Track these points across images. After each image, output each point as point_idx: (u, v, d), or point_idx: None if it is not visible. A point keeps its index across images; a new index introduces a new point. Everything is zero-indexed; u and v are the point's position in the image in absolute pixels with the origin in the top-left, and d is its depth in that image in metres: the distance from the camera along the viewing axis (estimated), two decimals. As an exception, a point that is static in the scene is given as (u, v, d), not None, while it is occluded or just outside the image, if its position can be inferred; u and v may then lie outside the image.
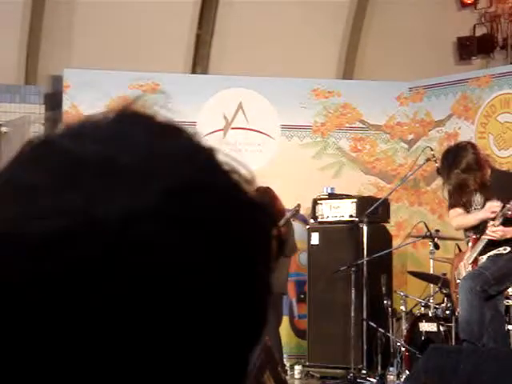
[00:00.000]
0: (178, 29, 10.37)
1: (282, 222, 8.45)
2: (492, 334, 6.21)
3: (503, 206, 6.27)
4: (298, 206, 8.28)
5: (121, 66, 9.75)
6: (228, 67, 10.35)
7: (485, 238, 6.40)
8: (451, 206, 6.62)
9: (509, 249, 6.38)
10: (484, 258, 6.45)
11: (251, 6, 10.37)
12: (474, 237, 6.52)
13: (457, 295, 6.55)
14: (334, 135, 10.15)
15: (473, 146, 6.63)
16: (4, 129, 9.87)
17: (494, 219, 6.31)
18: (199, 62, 10.61)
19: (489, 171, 6.45)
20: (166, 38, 10.32)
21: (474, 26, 10.41)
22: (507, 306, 6.65)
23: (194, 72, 10.58)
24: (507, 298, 6.66)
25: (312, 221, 8.88)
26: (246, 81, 10.02)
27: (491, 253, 6.43)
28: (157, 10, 10.20)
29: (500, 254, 6.40)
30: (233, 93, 10.05)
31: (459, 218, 6.52)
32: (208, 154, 0.67)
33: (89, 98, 9.62)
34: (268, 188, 8.82)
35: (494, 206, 6.29)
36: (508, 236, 6.32)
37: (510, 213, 6.24)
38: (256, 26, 10.47)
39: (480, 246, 6.44)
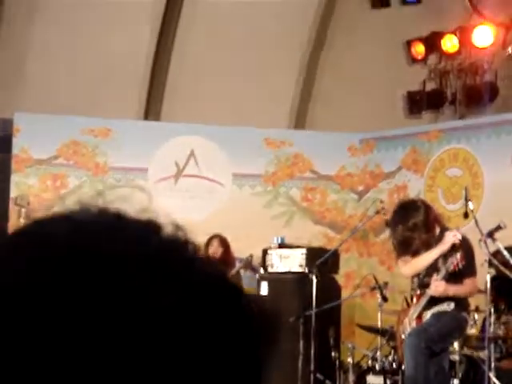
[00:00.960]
0: (131, 75, 10.39)
1: (233, 271, 8.46)
2: None
3: (445, 260, 6.29)
4: (251, 256, 8.29)
5: (72, 111, 9.71)
6: (180, 115, 10.38)
7: (428, 294, 6.41)
8: (398, 256, 6.64)
9: (453, 305, 6.39)
10: (428, 314, 6.46)
11: (205, 55, 10.44)
12: (418, 293, 6.54)
13: (402, 350, 6.56)
14: (285, 184, 10.20)
15: (426, 206, 6.58)
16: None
17: (437, 273, 6.31)
18: (151, 109, 10.61)
19: (437, 231, 6.45)
20: (118, 83, 10.32)
21: (424, 81, 10.58)
22: (452, 362, 6.67)
23: (146, 118, 10.59)
24: (452, 353, 6.68)
25: (262, 271, 8.87)
26: (198, 128, 10.05)
27: (435, 309, 6.43)
28: (111, 55, 10.21)
29: (444, 310, 6.40)
30: (185, 140, 10.06)
31: (412, 263, 6.47)
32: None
33: (39, 142, 9.56)
34: (221, 236, 8.83)
35: (452, 235, 6.28)
36: (449, 293, 6.29)
37: (452, 267, 6.25)
38: (209, 73, 10.53)
39: (424, 300, 6.45)
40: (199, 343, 0.65)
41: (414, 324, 6.51)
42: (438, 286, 6.26)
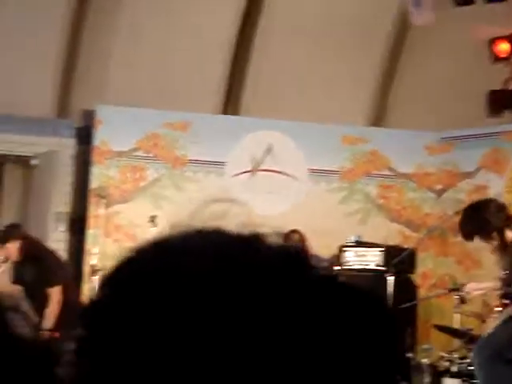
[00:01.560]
0: (210, 69, 10.45)
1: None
2: None
3: None
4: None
5: (153, 105, 9.82)
6: (259, 110, 10.40)
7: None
8: None
9: None
10: (504, 315, 6.30)
11: (285, 51, 10.44)
12: (504, 302, 6.36)
13: None
14: (362, 181, 10.15)
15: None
16: (35, 161, 9.95)
17: None
18: (230, 104, 10.66)
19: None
20: (198, 77, 10.39)
21: (507, 80, 10.40)
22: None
23: (224, 113, 10.64)
24: None
25: (337, 267, 8.85)
26: (276, 124, 10.06)
27: (509, 310, 6.27)
28: (191, 50, 10.28)
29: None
30: (262, 135, 10.09)
31: None
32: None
33: (120, 134, 9.69)
34: (300, 232, 8.82)
35: None
36: None
37: None
38: (289, 70, 10.52)
39: (505, 314, 6.26)
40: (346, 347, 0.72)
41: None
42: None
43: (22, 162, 10.13)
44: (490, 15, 9.79)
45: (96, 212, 9.37)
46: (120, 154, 9.79)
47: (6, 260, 7.78)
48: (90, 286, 8.51)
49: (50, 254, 7.97)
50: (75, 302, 7.35)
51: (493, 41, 10.22)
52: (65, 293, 7.64)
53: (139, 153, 9.87)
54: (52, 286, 7.62)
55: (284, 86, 10.50)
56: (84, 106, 10.06)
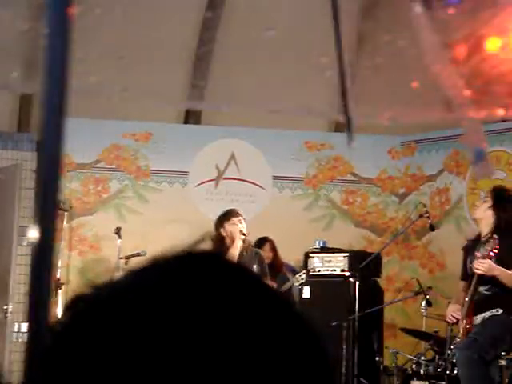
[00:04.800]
0: (171, 79, 10.42)
1: (286, 286, 8.37)
2: None
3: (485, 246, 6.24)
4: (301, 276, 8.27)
5: (114, 116, 9.77)
6: (220, 118, 10.39)
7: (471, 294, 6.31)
8: None
9: (501, 311, 6.33)
10: (478, 320, 6.38)
11: (243, 59, 10.45)
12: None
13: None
14: (326, 187, 10.19)
15: None
16: (-4, 175, 9.86)
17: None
18: (192, 113, 10.64)
19: None
20: (159, 87, 10.35)
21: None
22: (499, 367, 6.59)
23: (186, 122, 10.62)
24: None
25: (304, 274, 8.85)
26: (238, 131, 10.07)
27: (483, 315, 6.35)
28: (151, 58, 10.25)
29: (492, 315, 6.33)
30: (225, 143, 10.09)
31: None
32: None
33: (82, 146, 9.64)
34: (271, 240, 8.82)
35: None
36: (495, 273, 6.09)
37: (492, 247, 6.13)
38: (249, 75, 10.53)
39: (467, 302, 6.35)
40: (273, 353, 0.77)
41: (464, 323, 6.42)
42: (482, 262, 6.13)
43: (-17, 176, 10.04)
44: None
45: (59, 225, 9.29)
46: (82, 166, 9.74)
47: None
48: (55, 300, 8.44)
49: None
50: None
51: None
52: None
53: (101, 164, 9.82)
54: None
55: (244, 94, 10.49)
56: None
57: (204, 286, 0.77)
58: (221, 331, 0.75)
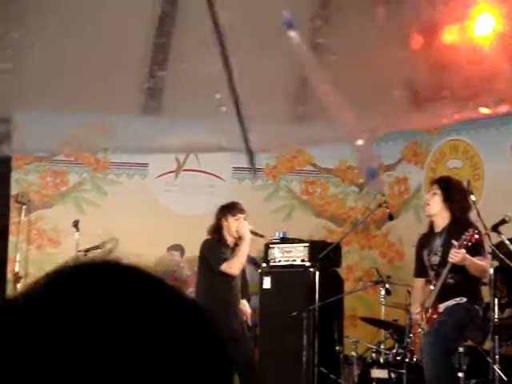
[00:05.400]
0: (130, 69, 10.36)
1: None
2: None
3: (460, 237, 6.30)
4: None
5: (71, 108, 9.68)
6: (179, 109, 10.34)
7: (438, 285, 6.39)
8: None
9: (465, 299, 6.39)
10: (442, 308, 6.44)
11: (201, 50, 10.41)
12: (434, 283, 6.51)
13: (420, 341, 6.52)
14: (286, 178, 10.21)
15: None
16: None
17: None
18: (150, 104, 10.58)
19: None
20: (117, 79, 10.28)
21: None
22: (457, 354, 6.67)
23: (145, 114, 10.56)
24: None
25: (264, 264, 8.87)
26: (197, 123, 10.03)
27: (447, 303, 6.42)
28: (111, 48, 10.17)
29: (456, 303, 6.40)
30: (184, 135, 10.05)
31: None
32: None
33: (39, 139, 9.53)
34: None
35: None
36: (466, 263, 6.19)
37: (468, 238, 6.22)
38: (206, 68, 10.50)
39: (437, 287, 6.42)
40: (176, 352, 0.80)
41: (429, 313, 6.49)
42: (457, 252, 6.21)
43: None
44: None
45: (17, 218, 9.20)
46: (40, 158, 9.65)
47: None
48: (13, 294, 8.36)
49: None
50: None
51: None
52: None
53: (59, 157, 9.74)
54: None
55: (203, 85, 10.46)
56: (0, 114, 9.87)
57: (95, 294, 0.81)
58: (111, 336, 0.78)
